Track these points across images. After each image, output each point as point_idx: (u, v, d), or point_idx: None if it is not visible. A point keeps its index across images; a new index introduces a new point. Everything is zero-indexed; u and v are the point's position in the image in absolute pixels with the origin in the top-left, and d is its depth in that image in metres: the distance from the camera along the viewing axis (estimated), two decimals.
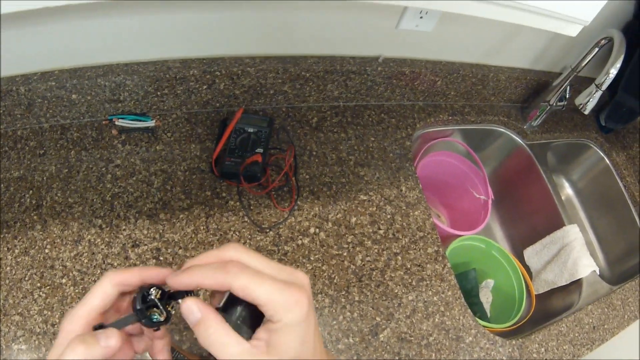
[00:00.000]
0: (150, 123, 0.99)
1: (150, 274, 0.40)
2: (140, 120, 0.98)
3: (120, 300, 0.41)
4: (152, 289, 0.39)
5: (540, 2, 0.78)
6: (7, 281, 0.78)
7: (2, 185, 0.87)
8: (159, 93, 0.96)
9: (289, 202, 0.97)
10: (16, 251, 0.81)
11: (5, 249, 0.81)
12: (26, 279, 0.79)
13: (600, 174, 1.51)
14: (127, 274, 0.39)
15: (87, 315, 0.37)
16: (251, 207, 0.94)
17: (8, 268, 0.79)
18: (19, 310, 0.76)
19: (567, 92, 1.27)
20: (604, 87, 1.12)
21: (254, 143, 0.96)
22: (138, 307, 0.38)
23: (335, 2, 0.91)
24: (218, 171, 0.95)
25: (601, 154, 1.49)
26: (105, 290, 0.38)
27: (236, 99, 1.03)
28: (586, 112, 1.18)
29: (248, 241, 0.90)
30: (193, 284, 0.37)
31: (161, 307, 0.38)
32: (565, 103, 1.30)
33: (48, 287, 0.78)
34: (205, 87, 0.98)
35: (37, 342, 0.74)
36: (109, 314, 0.40)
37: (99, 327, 0.37)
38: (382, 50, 1.09)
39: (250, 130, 0.97)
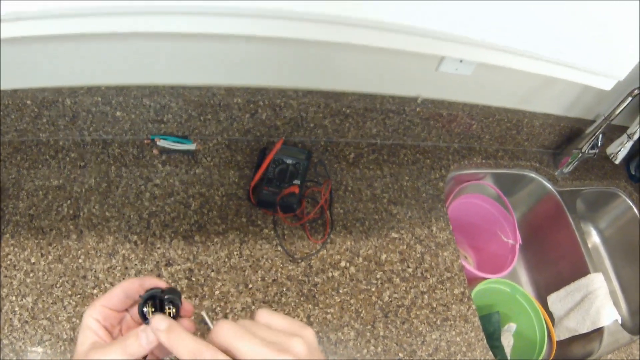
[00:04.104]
0: (191, 146, 1.02)
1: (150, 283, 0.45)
2: (181, 143, 1.01)
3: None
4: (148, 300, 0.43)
5: (575, 57, 0.79)
6: (38, 286, 0.80)
7: (40, 192, 0.90)
8: (202, 118, 0.99)
9: (322, 234, 0.98)
10: (50, 257, 0.83)
11: (39, 254, 0.83)
12: (57, 285, 0.81)
13: (628, 223, 1.50)
14: (133, 282, 0.45)
15: (104, 307, 0.43)
16: (285, 237, 0.96)
17: (40, 273, 0.81)
18: (48, 315, 0.78)
19: (600, 140, 1.27)
20: (636, 137, 1.13)
21: (291, 174, 0.98)
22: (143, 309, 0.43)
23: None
24: (255, 199, 0.97)
25: (630, 203, 1.47)
26: (117, 293, 0.44)
27: (277, 129, 1.06)
28: (617, 162, 1.19)
29: (280, 269, 0.91)
30: (168, 347, 0.38)
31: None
32: (597, 151, 1.30)
33: (79, 296, 0.80)
34: (247, 115, 1.00)
35: (63, 347, 0.76)
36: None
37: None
38: (421, 91, 1.11)
39: (289, 161, 1.00)
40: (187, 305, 0.45)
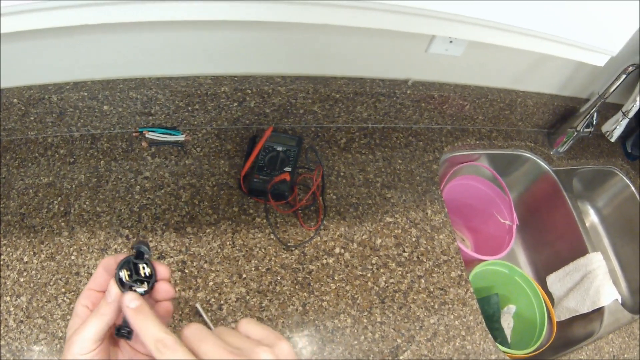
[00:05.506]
0: (180, 137, 1.01)
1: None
2: (170, 134, 1.00)
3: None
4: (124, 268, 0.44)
5: (568, 33, 0.78)
6: (32, 285, 0.79)
7: (30, 190, 0.89)
8: (189, 108, 0.98)
9: (315, 221, 0.97)
10: (42, 256, 0.83)
11: (32, 253, 0.83)
12: (51, 283, 0.80)
13: (625, 201, 1.49)
14: (110, 259, 0.45)
15: (91, 290, 0.45)
16: (278, 225, 0.95)
17: (33, 272, 0.81)
18: (42, 314, 0.77)
19: (594, 118, 1.26)
20: (631, 114, 1.12)
21: (282, 162, 0.97)
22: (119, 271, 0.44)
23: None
24: (246, 188, 0.96)
25: (627, 181, 1.47)
26: (100, 273, 0.45)
27: (266, 117, 1.05)
28: (612, 140, 1.18)
29: (273, 258, 0.91)
30: (134, 328, 0.40)
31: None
32: (592, 129, 1.29)
33: (72, 293, 0.80)
34: (235, 104, 0.99)
35: (58, 345, 0.75)
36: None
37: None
38: (412, 73, 1.10)
39: (279, 148, 0.99)
40: (162, 268, 0.45)
